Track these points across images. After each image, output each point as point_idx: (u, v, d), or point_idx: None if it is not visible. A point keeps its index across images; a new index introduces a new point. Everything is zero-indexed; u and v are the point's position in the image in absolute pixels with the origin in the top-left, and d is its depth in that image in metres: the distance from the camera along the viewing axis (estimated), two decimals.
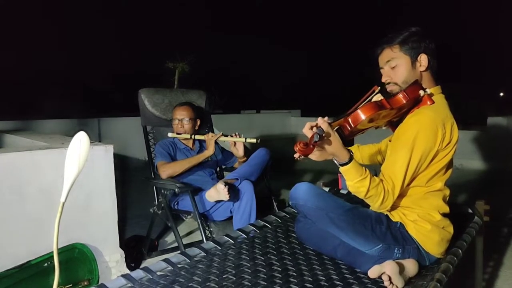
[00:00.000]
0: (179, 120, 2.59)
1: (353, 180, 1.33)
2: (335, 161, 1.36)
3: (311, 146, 1.22)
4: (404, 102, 1.38)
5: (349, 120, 1.35)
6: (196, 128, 2.67)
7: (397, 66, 1.48)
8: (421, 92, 1.41)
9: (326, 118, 1.31)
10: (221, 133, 2.54)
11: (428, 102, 1.42)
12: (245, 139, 2.46)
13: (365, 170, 1.33)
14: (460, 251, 1.52)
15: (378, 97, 1.43)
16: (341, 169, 1.34)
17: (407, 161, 1.35)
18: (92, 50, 16.61)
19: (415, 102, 1.42)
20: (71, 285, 1.97)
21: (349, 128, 1.36)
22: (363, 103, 1.42)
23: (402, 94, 1.39)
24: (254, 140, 2.42)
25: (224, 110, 9.27)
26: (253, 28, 18.63)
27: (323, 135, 1.24)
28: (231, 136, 2.49)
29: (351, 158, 1.32)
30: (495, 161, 5.53)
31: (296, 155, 1.44)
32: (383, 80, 1.52)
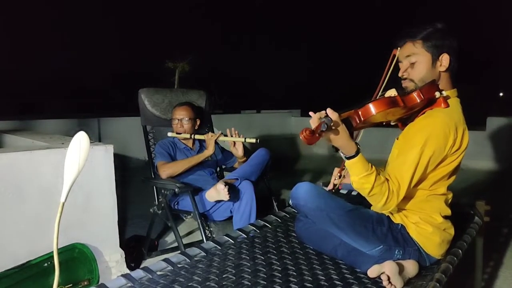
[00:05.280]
0: (178, 120, 2.60)
1: (359, 175, 1.29)
2: (341, 154, 1.32)
3: (317, 135, 1.18)
4: (418, 101, 1.35)
5: (359, 112, 1.31)
6: (196, 128, 2.68)
7: (417, 62, 1.44)
8: (437, 94, 1.37)
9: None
10: (220, 132, 2.54)
11: (442, 105, 1.38)
12: (245, 139, 2.46)
13: (371, 166, 1.30)
14: (460, 252, 1.53)
15: (392, 93, 1.40)
16: (347, 163, 1.31)
17: (415, 163, 1.32)
18: (92, 50, 16.63)
19: (428, 102, 1.39)
20: (71, 285, 1.97)
21: (358, 121, 1.32)
22: (378, 97, 1.39)
23: (417, 93, 1.35)
24: (253, 140, 2.42)
25: (224, 110, 9.27)
26: (253, 28, 18.63)
27: (331, 125, 1.21)
28: (231, 136, 2.49)
29: (358, 151, 1.29)
30: (494, 161, 5.53)
31: (334, 182, 1.54)
32: (400, 74, 1.48)
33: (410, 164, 1.32)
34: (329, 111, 1.24)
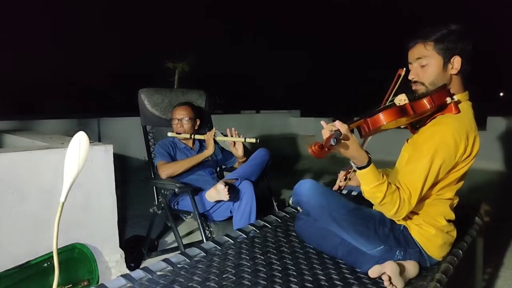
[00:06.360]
0: (178, 120, 2.59)
1: (370, 185, 1.27)
2: (352, 164, 1.31)
3: (326, 149, 1.16)
4: (428, 107, 1.32)
5: (369, 122, 1.30)
6: (196, 128, 2.67)
7: (427, 65, 1.40)
8: (448, 99, 1.34)
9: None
10: (214, 128, 2.54)
11: (454, 111, 1.35)
12: (245, 139, 2.46)
13: (382, 175, 1.28)
14: (461, 252, 1.52)
15: (402, 99, 1.36)
16: (358, 173, 1.29)
17: (426, 171, 1.30)
18: (92, 50, 16.62)
19: (439, 108, 1.36)
20: (71, 285, 1.96)
21: (367, 130, 1.31)
22: (386, 105, 1.38)
23: (428, 99, 1.32)
24: (253, 140, 2.41)
25: (224, 110, 9.27)
26: (253, 28, 18.63)
27: (341, 138, 1.19)
28: (231, 136, 2.49)
29: (369, 162, 1.27)
30: (495, 161, 5.52)
31: (340, 184, 1.54)
32: (409, 77, 1.44)
33: (420, 172, 1.30)
34: (338, 123, 1.22)
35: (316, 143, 1.14)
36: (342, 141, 1.22)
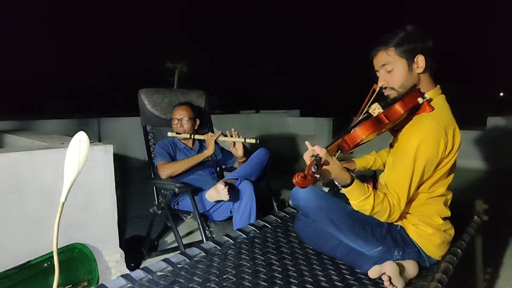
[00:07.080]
0: (178, 119, 2.59)
1: (357, 200, 1.31)
2: (337, 183, 1.33)
3: (309, 177, 1.15)
4: (402, 112, 1.33)
5: (347, 140, 1.32)
6: (196, 127, 2.67)
7: (393, 70, 1.42)
8: (420, 100, 1.36)
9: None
10: (219, 132, 2.54)
11: (428, 109, 1.37)
12: (245, 139, 2.46)
13: (368, 187, 1.30)
14: (460, 251, 1.53)
15: (376, 108, 1.38)
16: (344, 190, 1.32)
17: (410, 174, 1.32)
18: (92, 51, 16.63)
19: (413, 109, 1.38)
20: (71, 285, 1.96)
21: (347, 149, 1.34)
22: (361, 118, 1.39)
23: (400, 104, 1.33)
24: (253, 141, 2.41)
25: (223, 110, 9.26)
26: (253, 28, 18.63)
27: (321, 162, 1.21)
28: (231, 136, 2.49)
29: (352, 179, 1.30)
30: (494, 161, 5.54)
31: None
32: (379, 84, 1.47)
33: (405, 175, 1.33)
34: (317, 148, 1.24)
35: (298, 173, 1.14)
36: (323, 165, 1.23)
